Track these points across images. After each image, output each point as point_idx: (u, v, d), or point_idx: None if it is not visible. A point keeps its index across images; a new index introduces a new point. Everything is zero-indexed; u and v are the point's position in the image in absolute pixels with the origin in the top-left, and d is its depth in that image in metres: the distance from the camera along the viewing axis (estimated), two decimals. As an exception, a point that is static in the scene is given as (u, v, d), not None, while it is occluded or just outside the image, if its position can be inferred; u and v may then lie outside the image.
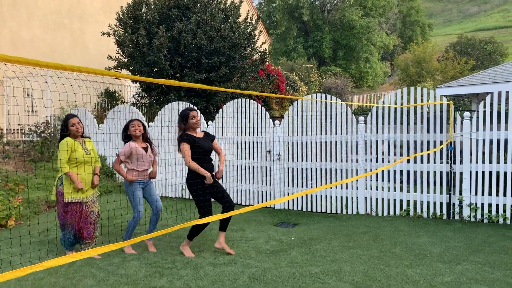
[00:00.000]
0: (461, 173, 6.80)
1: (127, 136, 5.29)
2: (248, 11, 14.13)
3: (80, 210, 5.00)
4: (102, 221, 6.78)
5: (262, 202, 8.25)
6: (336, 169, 7.60)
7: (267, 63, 16.85)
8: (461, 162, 6.82)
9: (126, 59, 11.77)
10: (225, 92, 11.65)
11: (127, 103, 13.58)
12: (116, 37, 11.51)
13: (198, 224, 4.39)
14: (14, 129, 11.11)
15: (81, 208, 5.00)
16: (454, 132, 6.83)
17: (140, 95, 12.80)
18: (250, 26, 12.21)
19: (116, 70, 13.44)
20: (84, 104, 11.74)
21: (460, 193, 6.76)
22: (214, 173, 5.09)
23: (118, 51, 11.90)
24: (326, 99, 7.66)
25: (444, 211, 6.85)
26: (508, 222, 6.41)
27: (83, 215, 5.02)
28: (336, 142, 7.61)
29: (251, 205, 8.32)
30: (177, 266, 4.60)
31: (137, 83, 12.52)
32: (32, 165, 9.25)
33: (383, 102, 7.39)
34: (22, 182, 7.24)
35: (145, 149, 5.30)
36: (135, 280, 4.18)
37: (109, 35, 11.69)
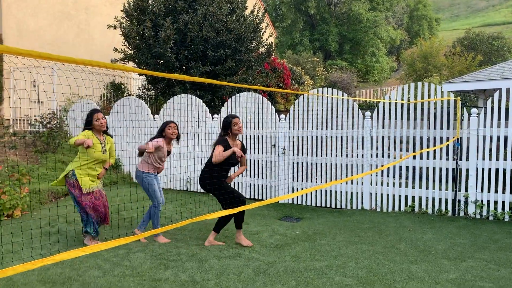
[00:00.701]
0: (467, 170, 6.77)
1: (160, 133, 5.44)
2: (255, 3, 14.07)
3: (100, 196, 5.14)
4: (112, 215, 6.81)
5: (267, 196, 8.26)
6: (341, 164, 7.58)
7: (273, 56, 16.79)
8: (467, 159, 6.79)
9: (132, 51, 11.76)
10: (231, 85, 11.62)
11: (133, 95, 13.59)
12: (122, 29, 11.49)
13: (223, 216, 4.83)
14: (20, 120, 11.16)
15: (100, 194, 5.15)
16: (461, 128, 6.79)
17: (146, 87, 12.80)
18: (257, 19, 12.15)
19: (122, 62, 13.46)
20: (90, 96, 11.77)
21: (466, 190, 6.73)
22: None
23: (124, 43, 11.88)
24: (332, 94, 7.63)
25: (449, 208, 6.83)
26: (514, 219, 6.39)
27: (104, 199, 5.20)
28: (342, 137, 7.59)
29: (256, 199, 8.34)
30: (182, 259, 4.62)
31: (143, 75, 12.51)
32: (38, 156, 9.29)
33: (390, 97, 7.35)
34: (28, 172, 7.27)
35: (169, 151, 5.53)
36: (140, 272, 4.20)
37: (115, 27, 11.66)
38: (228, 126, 5.13)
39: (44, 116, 9.66)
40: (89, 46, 14.42)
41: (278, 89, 3.88)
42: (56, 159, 9.17)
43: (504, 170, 6.52)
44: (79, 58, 1.54)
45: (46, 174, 8.36)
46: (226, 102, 8.79)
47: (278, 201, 8.09)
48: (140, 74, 12.48)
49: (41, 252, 4.82)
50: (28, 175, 7.03)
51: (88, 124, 5.09)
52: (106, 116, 10.31)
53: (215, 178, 5.08)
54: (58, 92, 11.16)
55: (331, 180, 7.64)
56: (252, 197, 8.45)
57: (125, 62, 12.48)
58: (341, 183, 7.57)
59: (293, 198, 8.04)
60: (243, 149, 5.33)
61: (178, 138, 5.55)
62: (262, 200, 8.27)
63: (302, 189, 7.94)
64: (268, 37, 13.37)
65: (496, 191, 6.56)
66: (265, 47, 12.60)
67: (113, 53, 12.05)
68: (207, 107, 8.98)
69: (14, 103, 11.38)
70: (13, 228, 5.64)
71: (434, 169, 7.00)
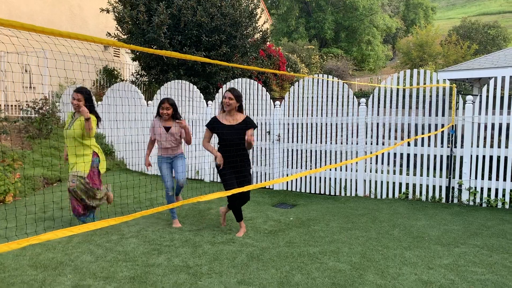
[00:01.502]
0: (461, 157, 6.78)
1: (158, 113, 5.43)
2: (250, -11, 13.88)
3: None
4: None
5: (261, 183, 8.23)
6: (336, 151, 7.56)
7: (268, 43, 16.66)
8: (461, 146, 6.78)
9: (125, 36, 11.61)
10: (226, 72, 11.52)
11: (126, 81, 13.45)
12: (116, 14, 11.32)
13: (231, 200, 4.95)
14: (12, 105, 11.01)
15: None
16: (456, 115, 6.78)
17: (140, 73, 12.67)
18: (252, 4, 12.01)
19: (115, 48, 13.28)
20: (83, 81, 11.63)
21: (460, 177, 6.74)
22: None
23: (117, 28, 11.72)
24: (327, 80, 7.58)
25: (443, 195, 6.85)
26: (507, 206, 6.41)
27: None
28: (336, 124, 7.56)
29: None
30: (176, 244, 4.59)
31: (137, 61, 12.37)
32: (30, 142, 9.19)
33: (386, 83, 7.31)
34: (20, 158, 7.20)
35: (168, 128, 5.37)
36: (133, 257, 4.17)
37: (108, 11, 11.49)
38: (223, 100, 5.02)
39: (36, 101, 9.54)
40: (82, 31, 14.21)
41: (274, 70, 3.81)
42: (49, 144, 9.08)
43: (498, 157, 6.53)
44: (65, 31, 1.48)
45: (38, 160, 8.28)
46: (221, 89, 8.72)
47: (272, 188, 8.08)
48: (134, 60, 12.33)
49: (32, 235, 4.78)
50: (20, 161, 6.95)
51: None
52: (99, 102, 10.24)
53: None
54: (52, 76, 11.01)
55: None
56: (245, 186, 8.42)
57: (118, 47, 12.31)
58: (336, 171, 7.56)
59: (287, 185, 8.02)
60: (248, 123, 4.95)
61: (175, 117, 5.38)
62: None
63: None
64: (264, 23, 13.24)
65: (490, 178, 6.57)
66: (261, 33, 12.48)
67: (106, 38, 11.87)
68: (201, 94, 8.90)
69: (6, 88, 11.22)
70: (5, 214, 5.59)
71: (428, 156, 7.00)
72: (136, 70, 12.98)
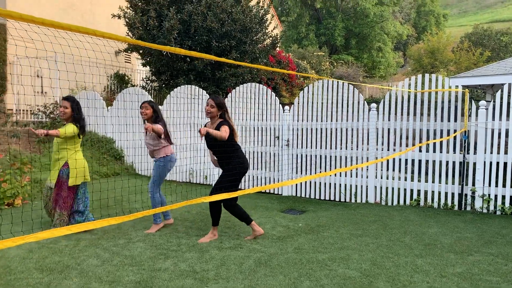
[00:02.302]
0: (474, 164, 6.64)
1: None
2: (261, -5, 13.89)
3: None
4: (109, 202, 6.76)
5: (269, 189, 8.16)
6: (346, 156, 7.47)
7: (278, 49, 16.63)
8: (474, 152, 6.65)
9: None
10: (235, 77, 11.50)
11: (136, 86, 13.52)
12: (127, 19, 11.39)
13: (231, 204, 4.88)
14: (23, 110, 11.11)
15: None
16: (469, 121, 6.65)
17: (150, 78, 12.71)
18: (262, 10, 12.00)
19: (126, 53, 13.37)
20: (94, 86, 11.71)
21: (473, 184, 6.61)
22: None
23: (128, 33, 11.78)
24: (337, 85, 7.51)
25: (456, 202, 6.71)
26: (522, 214, 6.26)
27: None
28: (347, 129, 7.47)
29: (259, 192, 8.25)
30: (182, 249, 4.54)
31: (147, 67, 12.42)
32: (40, 146, 9.24)
33: (397, 86, 7.23)
34: (30, 162, 7.22)
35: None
36: (140, 262, 4.12)
37: (119, 17, 11.56)
38: None
39: (47, 106, 9.60)
40: (94, 36, 14.31)
41: (282, 70, 3.75)
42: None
43: (513, 164, 6.38)
44: (65, 23, 1.45)
45: (47, 164, 8.30)
46: (230, 94, 8.69)
47: (281, 194, 8.00)
48: (144, 65, 12.37)
49: (40, 240, 4.76)
50: (30, 164, 6.97)
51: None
52: (109, 107, 10.27)
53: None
54: (63, 80, 11.09)
55: (335, 173, 7.53)
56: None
57: (129, 53, 12.38)
58: (346, 177, 7.46)
59: (296, 191, 7.94)
60: (219, 126, 4.77)
61: (155, 120, 5.33)
62: (265, 193, 8.19)
63: (305, 181, 7.84)
64: (274, 29, 13.22)
65: (504, 186, 6.43)
66: (270, 38, 12.46)
67: (117, 44, 11.95)
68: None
69: (18, 93, 11.33)
70: (13, 217, 5.58)
71: (440, 162, 6.87)
72: (146, 76, 13.03)
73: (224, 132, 4.61)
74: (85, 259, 4.18)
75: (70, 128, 4.92)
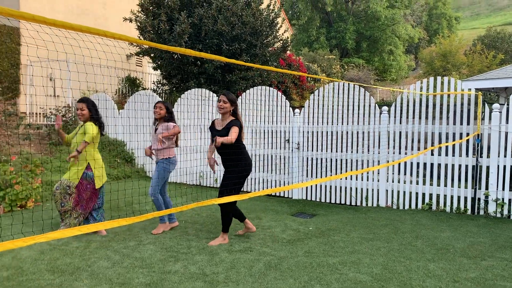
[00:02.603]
0: (487, 167, 6.55)
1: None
2: (271, -1, 13.91)
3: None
4: (119, 204, 6.80)
5: (280, 192, 8.13)
6: (357, 160, 7.42)
7: (289, 52, 16.62)
8: (488, 156, 6.56)
9: (147, 46, 11.74)
10: (245, 80, 11.52)
11: (147, 89, 13.61)
12: (138, 23, 11.48)
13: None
14: (36, 113, 11.24)
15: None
16: (482, 124, 6.57)
17: (161, 82, 12.79)
18: (273, 13, 12.01)
19: (138, 57, 13.46)
20: (105, 90, 11.80)
21: (486, 188, 6.51)
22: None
23: (139, 37, 11.87)
24: (349, 87, 7.48)
25: (469, 206, 6.62)
26: (536, 219, 6.15)
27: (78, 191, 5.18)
28: (357, 132, 7.43)
29: (269, 195, 8.23)
30: (192, 252, 4.53)
31: (158, 70, 12.49)
32: (52, 148, 9.33)
33: (409, 88, 7.17)
34: (42, 164, 7.29)
35: (156, 130, 5.41)
36: (150, 264, 4.13)
37: (131, 20, 11.66)
38: None
39: (59, 109, 9.70)
40: (105, 40, 14.45)
41: (293, 72, 3.74)
42: (70, 151, 9.18)
43: (527, 168, 6.28)
44: (76, 24, 1.46)
45: (60, 166, 8.38)
46: (240, 97, 8.69)
47: (291, 197, 7.97)
48: (155, 69, 12.45)
49: (52, 242, 4.79)
50: (42, 167, 7.04)
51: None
52: (121, 111, 10.35)
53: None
54: (75, 85, 11.21)
55: (346, 177, 7.48)
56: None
57: (140, 57, 12.46)
58: (357, 180, 7.41)
59: (306, 195, 7.90)
60: (231, 125, 4.78)
61: (168, 120, 5.40)
62: (275, 196, 8.16)
63: (315, 185, 7.80)
64: (284, 32, 13.22)
65: (518, 190, 6.33)
66: (281, 41, 12.46)
67: (129, 48, 12.04)
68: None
69: (31, 97, 11.47)
70: (25, 218, 5.64)
71: (453, 166, 6.79)
72: (157, 79, 13.12)
73: (233, 133, 4.63)
74: (95, 261, 4.20)
75: (90, 129, 5.00)
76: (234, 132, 4.64)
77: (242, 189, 8.33)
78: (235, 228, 5.57)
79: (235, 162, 4.81)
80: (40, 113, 11.13)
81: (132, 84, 13.52)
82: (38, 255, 4.33)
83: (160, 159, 5.33)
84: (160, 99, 9.57)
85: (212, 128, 4.98)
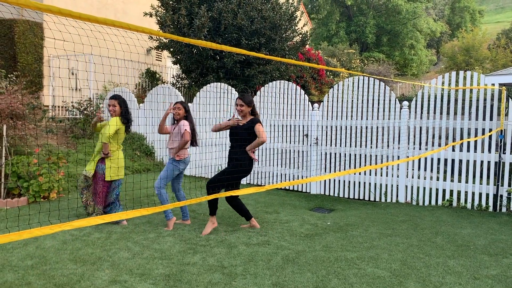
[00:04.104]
0: (510, 164, 6.42)
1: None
2: (291, -8, 13.83)
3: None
4: (141, 199, 6.90)
5: (298, 187, 8.13)
6: (376, 155, 7.36)
7: (308, 46, 16.53)
8: (511, 152, 6.43)
9: (166, 40, 11.84)
10: (264, 74, 11.51)
11: (167, 83, 13.73)
12: (158, 18, 11.56)
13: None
14: (58, 106, 11.46)
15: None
16: (506, 120, 6.43)
17: (180, 76, 12.88)
18: (292, 7, 11.95)
19: (157, 51, 13.57)
20: (126, 84, 11.95)
21: (509, 185, 6.39)
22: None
23: (159, 32, 11.97)
24: (369, 82, 7.40)
25: (491, 203, 6.51)
26: (561, 217, 6.01)
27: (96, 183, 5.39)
28: (377, 127, 7.36)
29: (287, 189, 8.24)
30: (211, 244, 4.58)
31: (177, 65, 12.59)
32: (74, 141, 9.51)
33: (430, 83, 7.07)
34: (64, 157, 7.44)
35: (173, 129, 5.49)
36: (169, 256, 4.19)
37: (151, 15, 11.76)
38: None
39: (81, 102, 9.87)
40: (126, 34, 14.62)
41: (311, 64, 3.74)
42: (92, 144, 9.36)
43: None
44: (101, 17, 1.50)
45: (81, 159, 8.54)
46: (259, 91, 8.70)
47: (309, 192, 7.96)
48: (174, 63, 12.54)
49: (74, 232, 4.91)
50: (65, 159, 7.19)
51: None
52: (141, 105, 10.48)
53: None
54: (97, 79, 11.39)
55: (364, 172, 7.43)
56: (281, 187, 8.35)
57: (160, 51, 12.55)
58: (376, 175, 7.35)
59: (324, 190, 7.88)
60: (253, 122, 5.17)
61: (185, 112, 5.48)
62: (293, 191, 8.17)
63: (334, 180, 7.78)
64: (303, 26, 13.15)
65: (542, 187, 6.19)
66: (300, 36, 12.40)
67: (149, 42, 12.15)
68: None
69: (53, 90, 11.69)
70: (49, 209, 5.78)
71: (475, 162, 6.68)
72: (176, 73, 13.22)
73: (262, 133, 5.02)
74: (116, 251, 4.28)
75: (107, 128, 5.13)
76: (262, 132, 5.03)
77: (257, 183, 8.40)
78: (241, 220, 5.61)
79: (242, 155, 5.07)
80: (62, 107, 11.35)
81: (152, 78, 13.65)
82: (61, 245, 4.44)
83: (171, 157, 5.40)
84: (179, 96, 9.64)
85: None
